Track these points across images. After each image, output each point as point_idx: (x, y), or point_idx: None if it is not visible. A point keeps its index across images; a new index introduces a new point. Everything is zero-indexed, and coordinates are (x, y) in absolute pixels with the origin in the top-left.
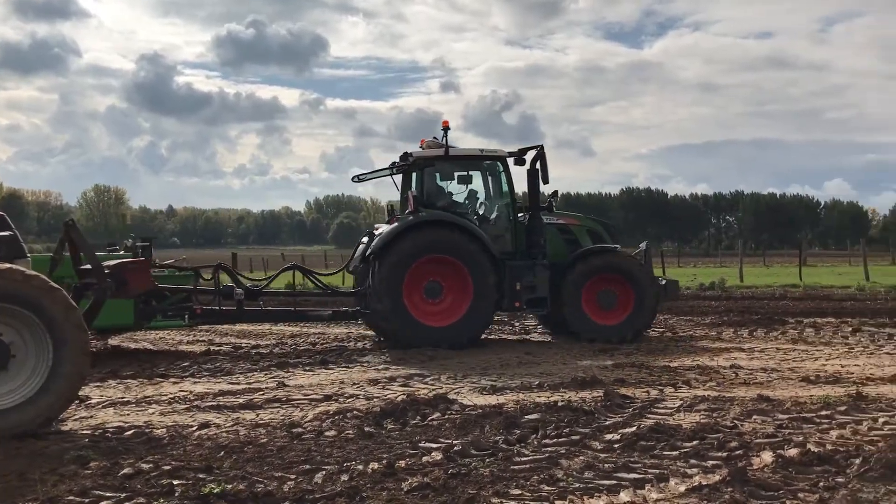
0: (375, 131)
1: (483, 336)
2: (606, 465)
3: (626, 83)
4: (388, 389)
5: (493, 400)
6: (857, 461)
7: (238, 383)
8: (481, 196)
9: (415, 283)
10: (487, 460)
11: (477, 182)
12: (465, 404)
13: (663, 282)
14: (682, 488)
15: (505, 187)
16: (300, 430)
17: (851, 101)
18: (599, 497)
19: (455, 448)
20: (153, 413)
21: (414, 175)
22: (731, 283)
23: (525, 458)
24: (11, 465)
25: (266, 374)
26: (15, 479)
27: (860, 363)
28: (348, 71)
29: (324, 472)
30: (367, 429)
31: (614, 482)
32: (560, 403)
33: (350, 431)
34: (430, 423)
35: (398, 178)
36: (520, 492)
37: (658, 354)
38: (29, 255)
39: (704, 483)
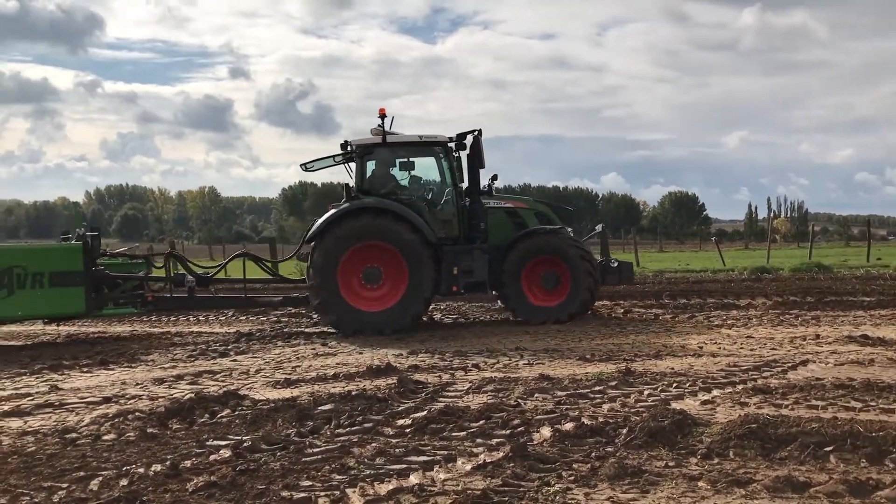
0: (160, 117)
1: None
2: (397, 450)
3: (420, 77)
4: (174, 388)
5: (286, 393)
6: (625, 431)
7: (4, 389)
8: (425, 182)
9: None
10: (278, 454)
11: (420, 168)
12: (257, 399)
13: (615, 264)
14: (469, 467)
15: (447, 172)
16: (75, 435)
17: (625, 101)
18: (389, 482)
19: (245, 444)
20: None
21: (355, 163)
22: None
23: (317, 449)
24: None
25: (37, 378)
26: None
27: (630, 341)
28: (131, 53)
29: (100, 478)
30: (150, 430)
31: (404, 466)
32: (354, 392)
33: (131, 434)
34: (219, 420)
35: (352, 166)
36: (310, 483)
37: (451, 340)
38: None
39: (489, 460)
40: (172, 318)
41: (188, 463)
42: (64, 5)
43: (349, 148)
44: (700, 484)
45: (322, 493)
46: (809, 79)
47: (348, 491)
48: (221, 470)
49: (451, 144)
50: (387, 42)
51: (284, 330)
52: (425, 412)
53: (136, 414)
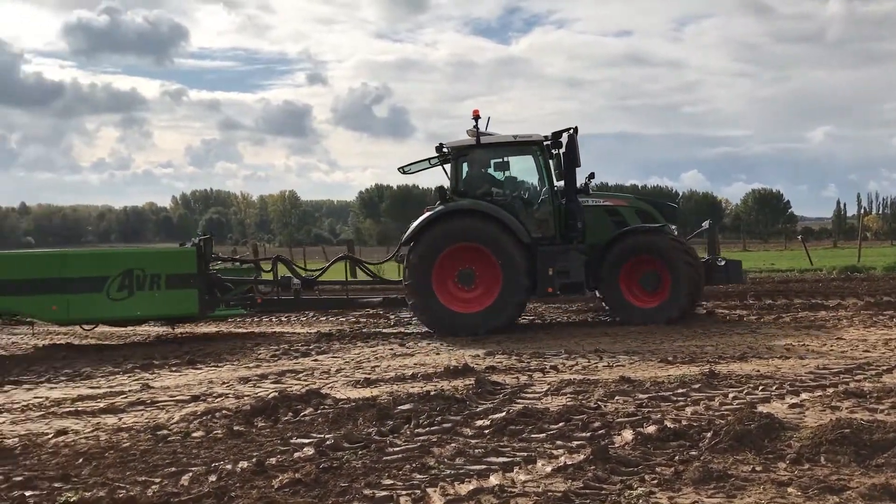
0: (242, 124)
1: (363, 329)
2: (477, 451)
3: (495, 78)
4: (259, 387)
5: (366, 393)
6: (709, 435)
7: (99, 387)
8: (521, 182)
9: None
10: (360, 452)
11: (515, 168)
12: (339, 398)
13: (722, 262)
14: (549, 469)
15: (543, 172)
16: (165, 432)
17: (704, 97)
18: (469, 482)
19: (327, 442)
20: (3, 422)
21: (450, 165)
22: None
23: (397, 449)
24: None
25: (129, 377)
26: None
27: (713, 343)
28: (214, 62)
29: (190, 474)
30: (236, 428)
31: (484, 467)
32: (433, 393)
33: (219, 431)
34: (302, 418)
35: (448, 168)
36: (391, 481)
37: (528, 341)
38: None
39: (569, 462)
40: (256, 319)
41: (273, 460)
42: (150, 17)
43: (444, 150)
44: (790, 490)
45: (403, 492)
46: None
47: (429, 490)
48: (305, 467)
49: (547, 143)
50: (461, 44)
51: (363, 331)
52: (504, 413)
53: (223, 412)
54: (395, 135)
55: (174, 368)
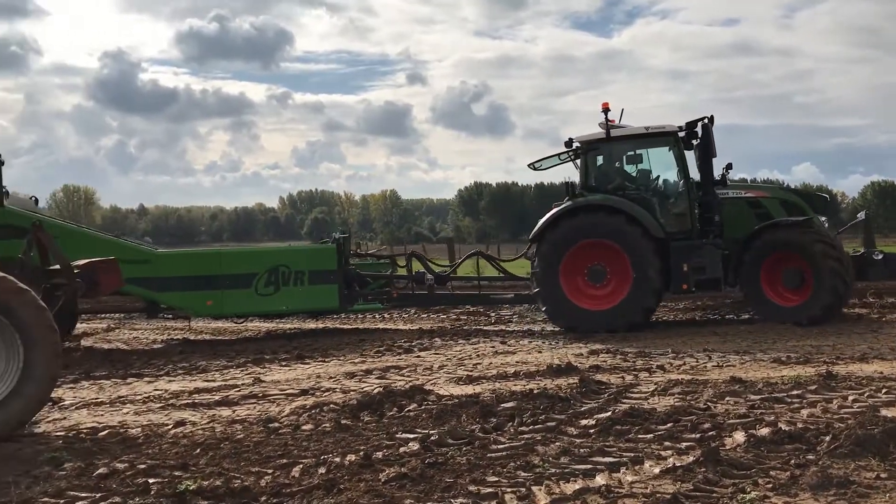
0: (344, 125)
1: (463, 326)
2: (582, 450)
3: (595, 72)
4: (364, 382)
5: (469, 390)
6: (828, 439)
7: (214, 380)
8: (656, 175)
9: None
10: (464, 449)
11: (648, 161)
12: (442, 395)
13: (879, 255)
14: (657, 470)
15: (678, 164)
16: (277, 424)
17: (817, 86)
18: (575, 481)
19: (432, 438)
20: (127, 413)
21: (580, 160)
22: None
23: (501, 446)
24: None
25: (242, 371)
26: None
27: (830, 342)
28: (318, 65)
29: (301, 466)
30: (343, 421)
31: (590, 466)
32: (536, 391)
33: (327, 425)
34: (406, 414)
35: (578, 163)
36: (496, 479)
37: (633, 340)
38: None
39: (678, 464)
40: (360, 317)
41: (380, 454)
42: (257, 23)
43: (574, 145)
44: None
45: (508, 490)
46: None
47: (534, 489)
48: (411, 462)
49: (681, 134)
50: (561, 38)
51: (464, 328)
52: (609, 413)
53: (331, 406)
54: (494, 132)
55: (283, 363)
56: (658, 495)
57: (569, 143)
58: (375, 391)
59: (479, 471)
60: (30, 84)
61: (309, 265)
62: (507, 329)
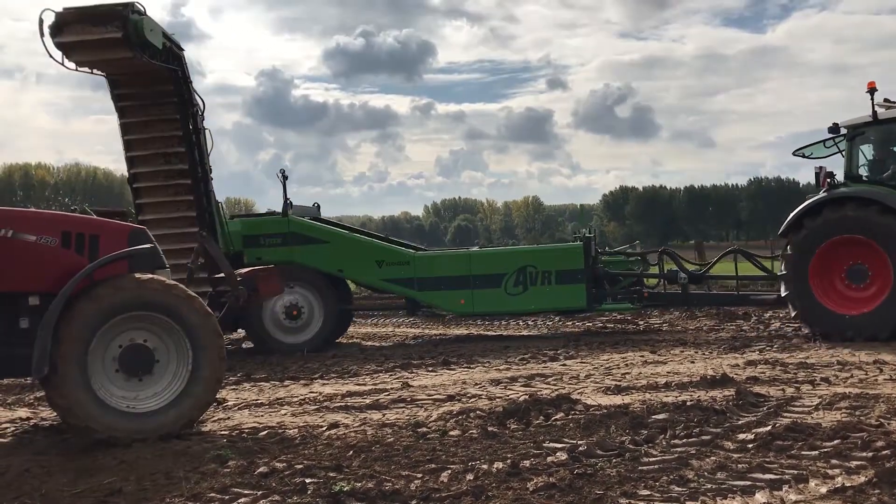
0: (486, 133)
1: (608, 333)
2: (740, 466)
3: (748, 69)
4: (509, 389)
5: (617, 400)
6: None
7: (364, 384)
8: None
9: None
10: (614, 461)
11: None
12: (589, 404)
13: None
14: (824, 490)
15: None
16: (425, 429)
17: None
18: (733, 498)
19: (580, 448)
20: (285, 414)
21: (845, 147)
22: None
23: (653, 459)
24: (158, 465)
25: (391, 375)
26: (162, 477)
27: None
28: (460, 75)
29: (449, 472)
30: (490, 428)
31: (748, 483)
32: (689, 403)
33: (474, 431)
34: (553, 423)
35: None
36: (648, 492)
37: (794, 350)
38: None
39: (848, 484)
40: (504, 323)
41: (527, 463)
42: (400, 37)
43: (841, 130)
44: None
45: None
46: None
47: None
48: (559, 472)
49: None
50: (710, 36)
51: (609, 336)
52: (769, 427)
53: (477, 412)
54: (639, 135)
55: (430, 368)
56: None
57: (834, 128)
58: (521, 399)
59: (630, 483)
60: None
61: (556, 265)
62: (658, 338)
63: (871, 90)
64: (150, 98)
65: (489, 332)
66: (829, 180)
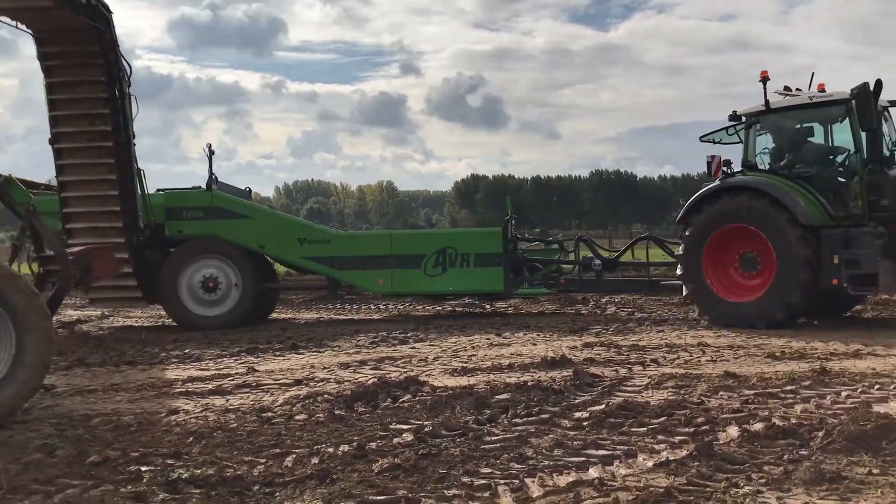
0: (339, 115)
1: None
2: (575, 443)
3: (592, 65)
4: (358, 373)
5: (463, 381)
6: (821, 434)
7: (207, 369)
8: (826, 151)
9: (727, 254)
10: (458, 440)
11: (820, 135)
12: (436, 386)
13: None
14: (650, 463)
15: (853, 138)
16: (270, 414)
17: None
18: (568, 474)
19: (426, 429)
20: (121, 401)
21: (742, 135)
22: None
23: (495, 438)
24: None
25: (236, 360)
26: None
27: (823, 339)
28: (314, 54)
29: (294, 456)
30: (337, 412)
31: (583, 459)
32: (530, 383)
33: (320, 415)
34: (400, 405)
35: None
36: (490, 470)
37: (628, 333)
38: None
39: (672, 458)
40: (355, 307)
41: (373, 445)
42: (249, 12)
43: (739, 118)
44: None
45: (501, 481)
46: None
47: (527, 480)
48: (405, 453)
49: (854, 103)
50: (558, 31)
51: (458, 320)
52: (603, 406)
53: (325, 396)
54: (489, 124)
55: (278, 353)
56: (651, 489)
57: (733, 115)
58: (370, 382)
59: (473, 462)
60: (23, 69)
61: (476, 248)
62: (503, 321)
63: (764, 79)
64: (76, 58)
65: (340, 317)
66: (724, 168)
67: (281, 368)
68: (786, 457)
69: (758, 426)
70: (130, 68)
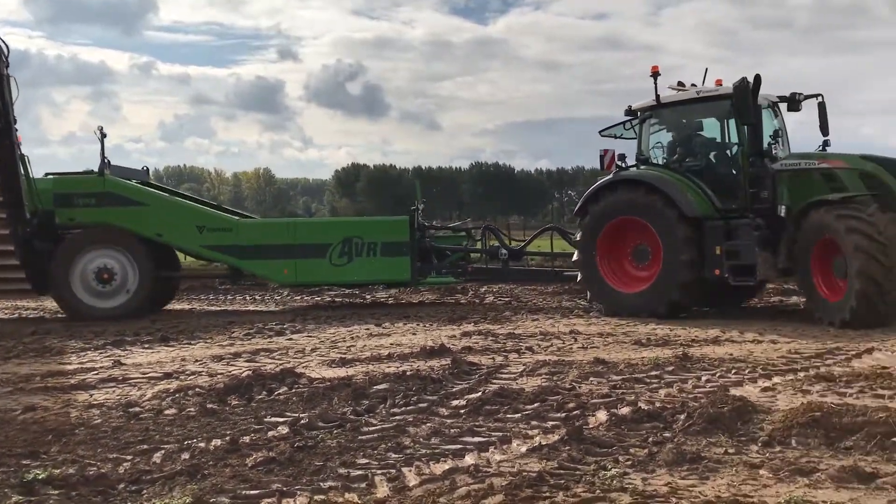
0: (213, 99)
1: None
2: (452, 431)
3: (472, 58)
4: (232, 365)
5: (341, 372)
6: (682, 417)
7: (69, 363)
8: (713, 145)
9: (621, 246)
10: (335, 432)
11: (711, 130)
12: (313, 377)
13: None
14: (524, 449)
15: (737, 132)
16: (138, 409)
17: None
18: (445, 461)
19: (302, 421)
20: None
21: (638, 129)
22: None
23: (373, 428)
24: None
25: (101, 353)
26: None
27: (686, 326)
28: (186, 35)
29: (163, 452)
30: (209, 406)
31: (459, 446)
32: (409, 373)
33: (192, 409)
34: (276, 397)
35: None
36: (367, 461)
37: (505, 322)
38: None
39: (544, 443)
40: (230, 297)
41: (247, 438)
42: None
43: (635, 112)
44: (761, 472)
45: (378, 471)
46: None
47: (404, 470)
48: (280, 446)
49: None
50: (438, 23)
51: (338, 310)
52: (479, 393)
53: (196, 390)
54: (370, 113)
55: (146, 345)
56: (524, 474)
57: (629, 110)
58: (244, 374)
59: (350, 453)
60: None
61: (382, 237)
62: (383, 311)
63: (655, 74)
64: None
65: (213, 308)
66: (618, 162)
67: (149, 361)
68: (650, 439)
69: (625, 410)
70: (8, 48)
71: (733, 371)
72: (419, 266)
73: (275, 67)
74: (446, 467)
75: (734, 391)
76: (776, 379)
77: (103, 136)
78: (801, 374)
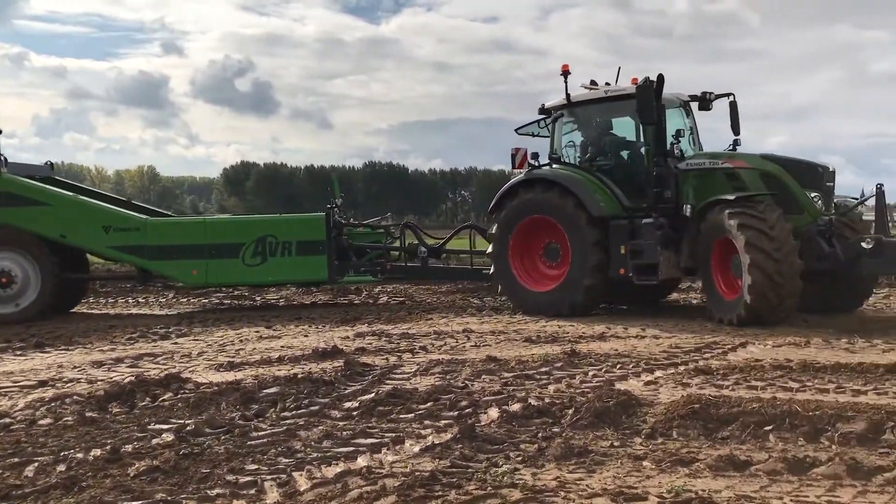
0: (93, 93)
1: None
2: (345, 433)
3: (364, 57)
4: (114, 371)
5: (230, 377)
6: (570, 412)
7: None
8: (621, 144)
9: (533, 245)
10: (222, 438)
11: (627, 129)
12: (200, 382)
13: (870, 243)
14: (417, 448)
15: (643, 132)
16: (8, 420)
17: (570, 85)
18: (337, 464)
19: (188, 428)
20: None
21: (550, 128)
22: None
23: (262, 433)
24: None
25: None
26: None
27: (573, 323)
28: (64, 26)
29: (36, 464)
30: (88, 414)
31: (352, 449)
32: (300, 375)
33: (69, 418)
34: (161, 404)
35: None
36: (256, 466)
37: (398, 322)
38: None
39: (437, 442)
40: (111, 301)
41: (129, 447)
42: None
43: (550, 112)
44: (645, 463)
45: (268, 477)
46: (743, 67)
47: (295, 474)
48: (164, 454)
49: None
50: (330, 21)
51: (226, 313)
52: (372, 395)
53: (74, 398)
54: (259, 110)
55: (19, 352)
56: (417, 473)
57: (542, 109)
58: (126, 381)
59: (238, 459)
60: None
61: (297, 235)
62: (274, 313)
63: (565, 73)
64: None
65: (93, 311)
66: (530, 161)
67: (22, 369)
68: (540, 434)
69: (515, 407)
70: None
71: (618, 366)
72: (337, 265)
73: (159, 62)
74: (338, 470)
75: (619, 385)
76: (658, 373)
77: None
78: (682, 368)
